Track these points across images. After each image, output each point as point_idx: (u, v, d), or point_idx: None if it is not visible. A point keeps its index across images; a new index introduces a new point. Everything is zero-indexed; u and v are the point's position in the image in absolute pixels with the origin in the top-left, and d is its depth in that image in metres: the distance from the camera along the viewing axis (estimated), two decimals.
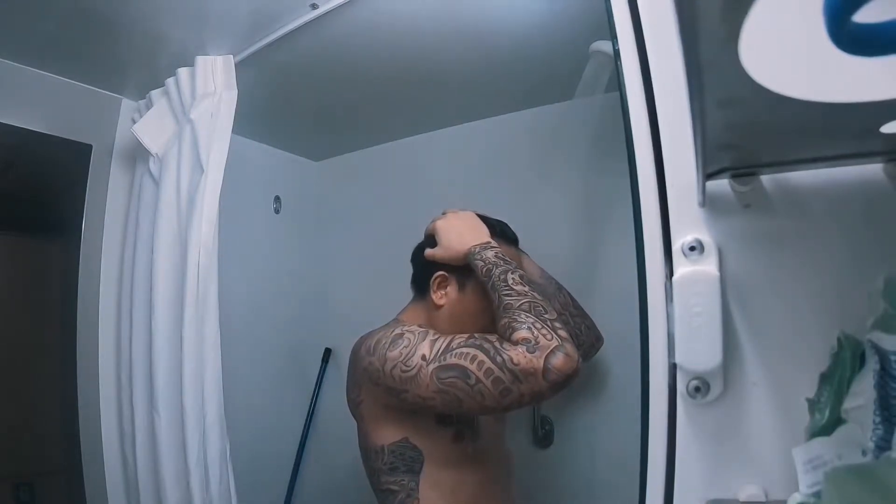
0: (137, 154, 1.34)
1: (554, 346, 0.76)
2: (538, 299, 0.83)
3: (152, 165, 1.24)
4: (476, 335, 0.83)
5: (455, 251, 0.94)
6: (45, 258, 1.41)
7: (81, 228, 1.34)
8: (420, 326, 0.91)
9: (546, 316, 0.80)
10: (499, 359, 0.77)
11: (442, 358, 0.81)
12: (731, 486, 0.52)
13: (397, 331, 0.89)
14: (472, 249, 0.92)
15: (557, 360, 0.75)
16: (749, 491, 0.51)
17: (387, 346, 0.88)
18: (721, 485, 0.53)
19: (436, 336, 0.86)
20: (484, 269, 0.89)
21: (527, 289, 0.84)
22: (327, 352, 1.79)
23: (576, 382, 0.77)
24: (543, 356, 0.75)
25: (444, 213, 1.01)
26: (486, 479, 0.96)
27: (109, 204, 1.38)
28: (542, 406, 1.33)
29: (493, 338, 0.81)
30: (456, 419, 0.92)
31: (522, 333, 0.77)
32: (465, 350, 0.80)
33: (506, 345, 0.78)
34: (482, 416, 0.97)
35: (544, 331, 0.77)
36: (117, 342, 1.32)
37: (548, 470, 1.30)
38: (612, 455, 1.22)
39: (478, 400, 0.78)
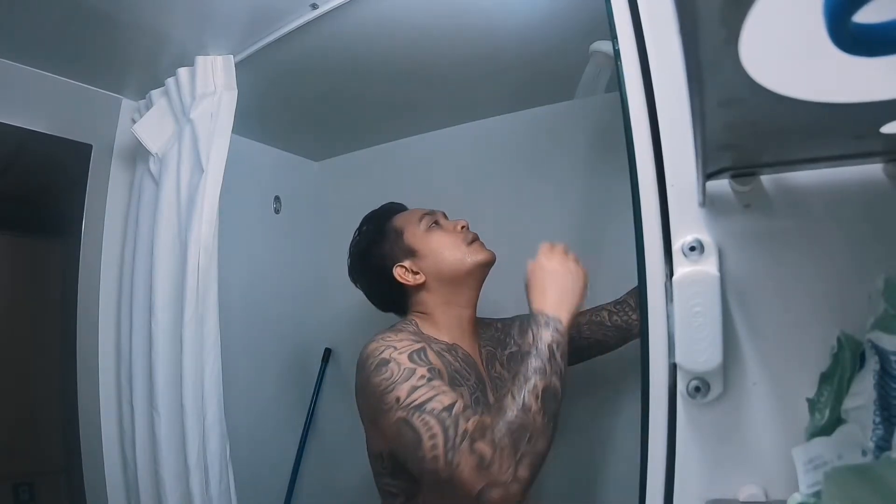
0: (137, 154, 1.34)
1: (503, 480, 0.70)
2: (533, 426, 0.73)
3: (152, 165, 1.24)
4: (455, 406, 0.77)
5: (532, 298, 0.87)
6: (45, 258, 1.41)
7: (81, 228, 1.34)
8: (412, 352, 0.86)
9: (524, 445, 0.72)
10: (450, 454, 0.72)
11: (411, 413, 0.77)
12: (731, 486, 0.52)
13: (385, 353, 0.86)
14: (539, 311, 0.84)
15: (495, 494, 0.70)
16: (749, 491, 0.51)
17: (372, 368, 0.85)
18: (721, 485, 0.53)
19: (419, 381, 0.80)
20: (525, 342, 0.81)
21: (537, 406, 0.75)
22: (327, 352, 1.79)
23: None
24: (485, 482, 0.70)
25: (552, 248, 0.92)
26: None
27: (109, 204, 1.38)
28: None
29: (466, 419, 0.75)
30: None
31: (485, 446, 0.71)
32: (431, 420, 0.75)
33: (465, 443, 0.72)
34: None
35: (507, 460, 0.71)
36: (117, 342, 1.32)
37: (548, 470, 1.30)
38: (613, 455, 1.22)
39: (416, 470, 0.80)
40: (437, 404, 0.77)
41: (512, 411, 0.74)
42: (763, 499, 0.50)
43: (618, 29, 0.59)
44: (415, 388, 0.80)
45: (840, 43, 0.24)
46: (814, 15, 0.23)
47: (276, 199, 1.77)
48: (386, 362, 0.84)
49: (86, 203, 1.34)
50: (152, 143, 1.23)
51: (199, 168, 1.16)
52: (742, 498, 0.51)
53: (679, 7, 0.28)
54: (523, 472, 0.72)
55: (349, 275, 1.15)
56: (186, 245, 1.13)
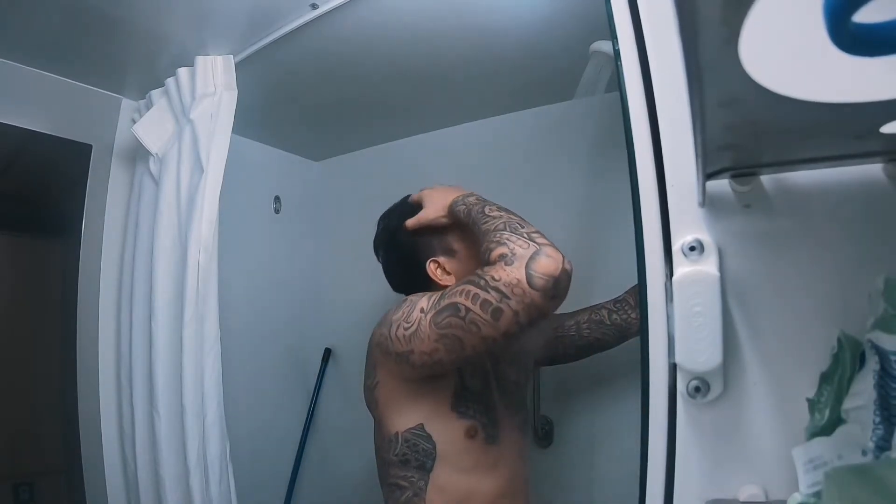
0: (137, 154, 1.34)
1: (531, 252, 0.75)
2: (514, 218, 0.84)
3: (152, 165, 1.24)
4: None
5: (441, 206, 0.98)
6: (45, 258, 1.41)
7: (81, 228, 1.34)
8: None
9: (522, 230, 0.80)
10: (482, 282, 0.76)
11: (437, 304, 0.82)
12: (731, 486, 0.52)
13: (403, 298, 0.91)
14: (456, 199, 0.96)
15: (538, 263, 0.73)
16: (749, 491, 0.51)
17: (391, 311, 0.90)
18: (721, 485, 0.53)
19: (431, 294, 0.87)
20: (464, 212, 0.92)
21: (502, 213, 0.86)
22: (327, 352, 1.79)
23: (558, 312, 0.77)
24: (523, 264, 0.74)
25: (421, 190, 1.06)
26: (500, 493, 0.93)
27: (109, 204, 1.38)
28: (542, 406, 1.33)
29: (479, 269, 0.80)
30: (472, 412, 0.91)
31: (498, 251, 0.78)
32: (455, 289, 0.81)
33: (486, 267, 0.78)
34: (504, 420, 0.95)
35: (520, 242, 0.77)
36: (117, 342, 1.32)
37: (548, 470, 1.30)
38: (612, 455, 1.22)
39: (474, 332, 0.77)
40: (451, 286, 0.83)
41: (490, 224, 0.84)
42: (763, 499, 0.50)
43: (618, 29, 0.59)
44: (432, 295, 0.85)
45: (840, 43, 0.24)
46: (814, 15, 0.23)
47: (276, 199, 1.77)
48: (405, 300, 0.90)
49: (86, 203, 1.34)
50: (152, 143, 1.23)
51: (199, 168, 1.16)
52: (742, 498, 0.51)
53: (679, 7, 0.28)
54: (540, 239, 0.78)
55: (374, 244, 1.11)
56: (186, 245, 1.13)
